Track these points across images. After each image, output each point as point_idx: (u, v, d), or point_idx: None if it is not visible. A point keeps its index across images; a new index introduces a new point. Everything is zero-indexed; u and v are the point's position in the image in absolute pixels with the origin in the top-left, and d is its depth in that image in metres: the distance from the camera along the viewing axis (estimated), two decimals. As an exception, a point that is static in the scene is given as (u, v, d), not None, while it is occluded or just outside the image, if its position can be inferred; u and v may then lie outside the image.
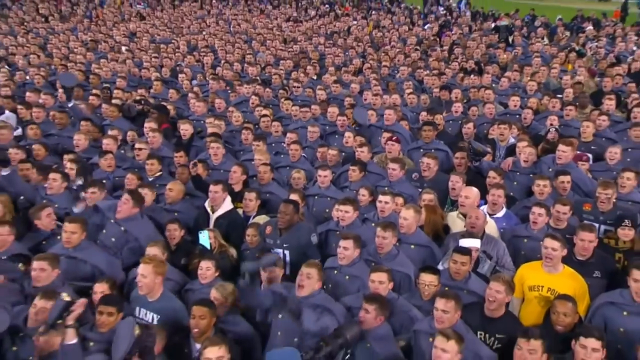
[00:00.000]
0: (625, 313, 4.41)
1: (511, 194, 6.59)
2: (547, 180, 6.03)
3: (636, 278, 4.32)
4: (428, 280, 4.51)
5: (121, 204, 5.58)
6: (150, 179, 6.83)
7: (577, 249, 5.07)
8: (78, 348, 3.73)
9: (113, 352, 3.66)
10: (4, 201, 5.59)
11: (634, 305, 4.37)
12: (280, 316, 4.39)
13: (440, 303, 4.02)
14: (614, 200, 5.90)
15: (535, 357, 3.64)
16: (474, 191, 5.97)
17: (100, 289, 4.51)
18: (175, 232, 5.54)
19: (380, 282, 4.40)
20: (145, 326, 3.82)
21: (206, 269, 4.87)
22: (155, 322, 4.44)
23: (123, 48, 15.88)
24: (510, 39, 16.49)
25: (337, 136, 8.72)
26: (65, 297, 3.65)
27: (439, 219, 6.04)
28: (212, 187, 6.04)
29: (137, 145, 7.35)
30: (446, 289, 4.47)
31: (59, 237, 5.50)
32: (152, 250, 4.94)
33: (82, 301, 3.63)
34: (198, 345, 4.17)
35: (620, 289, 4.57)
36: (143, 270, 4.43)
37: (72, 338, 3.62)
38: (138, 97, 10.33)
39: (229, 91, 11.34)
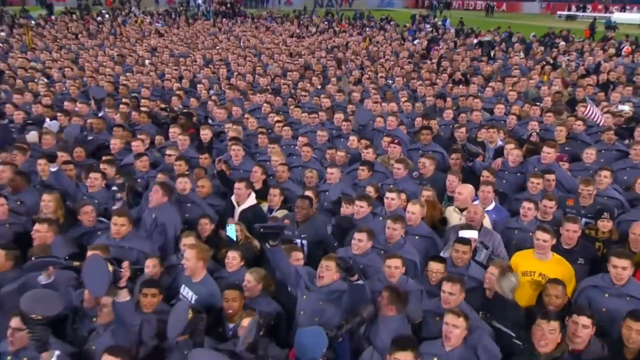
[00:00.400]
0: (606, 295, 4.47)
1: (501, 190, 6.65)
2: (541, 178, 6.12)
3: (615, 264, 4.39)
4: (436, 268, 4.58)
5: (152, 193, 5.65)
6: (178, 178, 6.85)
7: (563, 238, 5.13)
8: (131, 304, 3.77)
9: (168, 332, 3.67)
10: (56, 198, 5.61)
11: (613, 288, 4.44)
12: (304, 297, 4.41)
13: (447, 286, 4.07)
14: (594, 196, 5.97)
15: (554, 337, 3.68)
16: (467, 188, 6.00)
17: (152, 262, 4.68)
18: (206, 226, 5.56)
19: (395, 267, 4.46)
20: (198, 310, 3.84)
21: (232, 259, 4.88)
22: (193, 300, 4.47)
23: (146, 61, 15.80)
24: (492, 53, 16.54)
25: (342, 139, 8.72)
26: (110, 267, 3.64)
27: (437, 213, 6.09)
28: (236, 185, 6.05)
29: (167, 152, 7.30)
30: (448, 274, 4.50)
31: (99, 233, 5.56)
32: (188, 240, 4.97)
33: (125, 264, 3.65)
34: (231, 325, 4.22)
35: (602, 274, 4.62)
36: (187, 255, 4.49)
37: (125, 297, 3.65)
38: (163, 106, 10.36)
39: (243, 100, 11.34)
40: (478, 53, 16.66)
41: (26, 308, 3.58)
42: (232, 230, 5.52)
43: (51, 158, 6.08)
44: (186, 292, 4.57)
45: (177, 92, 11.35)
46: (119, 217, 5.20)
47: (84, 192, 6.26)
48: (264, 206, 6.30)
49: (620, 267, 4.36)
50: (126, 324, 3.78)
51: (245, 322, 3.76)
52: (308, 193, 6.04)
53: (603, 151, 7.55)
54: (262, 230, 4.22)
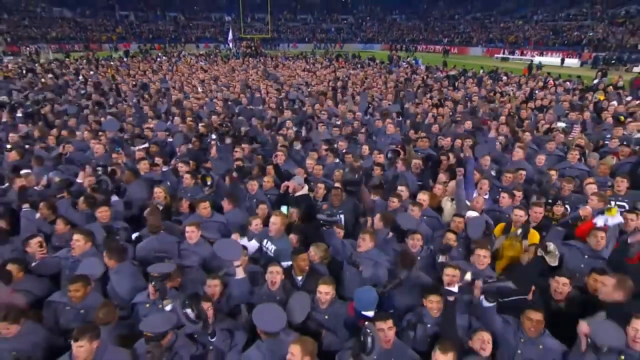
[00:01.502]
0: (586, 257, 4.55)
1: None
2: (512, 173, 6.25)
3: (595, 235, 4.50)
4: (450, 236, 4.75)
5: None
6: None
7: (531, 217, 5.17)
8: (247, 281, 3.78)
9: (291, 318, 3.47)
10: (164, 189, 5.72)
11: (592, 252, 4.54)
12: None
13: (482, 252, 4.17)
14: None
15: (566, 289, 3.89)
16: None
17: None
18: (265, 211, 5.48)
19: (417, 240, 4.53)
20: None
21: None
22: (271, 251, 4.59)
23: (199, 89, 15.76)
24: (456, 84, 16.55)
25: (354, 145, 8.71)
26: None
27: (433, 202, 6.08)
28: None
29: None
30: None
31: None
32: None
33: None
34: (299, 277, 4.21)
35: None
36: (273, 220, 4.60)
37: (241, 274, 3.66)
38: (219, 121, 10.32)
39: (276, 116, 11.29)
40: (446, 84, 16.66)
41: (149, 269, 3.69)
42: (284, 211, 5.52)
43: (167, 160, 6.15)
44: (266, 243, 4.68)
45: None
46: (204, 202, 5.32)
47: (181, 187, 6.27)
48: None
49: (599, 237, 4.49)
50: (241, 296, 3.78)
51: (322, 288, 3.72)
52: (338, 185, 6.10)
53: (547, 156, 7.61)
54: (321, 221, 4.42)
